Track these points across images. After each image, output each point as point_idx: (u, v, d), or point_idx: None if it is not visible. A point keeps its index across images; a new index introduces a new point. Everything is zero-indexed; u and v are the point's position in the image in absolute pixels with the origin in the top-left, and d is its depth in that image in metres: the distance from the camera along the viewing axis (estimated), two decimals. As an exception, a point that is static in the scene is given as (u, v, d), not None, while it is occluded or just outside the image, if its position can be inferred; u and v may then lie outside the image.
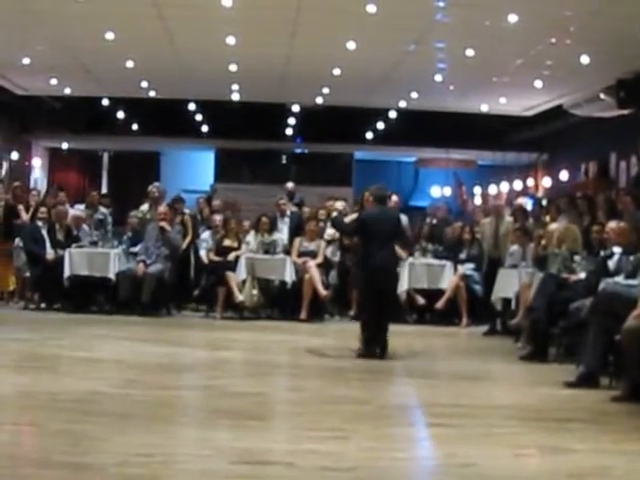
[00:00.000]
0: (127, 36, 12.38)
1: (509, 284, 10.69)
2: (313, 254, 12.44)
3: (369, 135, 19.74)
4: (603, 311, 7.10)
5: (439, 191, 21.78)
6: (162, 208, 12.60)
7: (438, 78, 14.45)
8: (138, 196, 13.94)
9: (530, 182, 19.45)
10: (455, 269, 12.32)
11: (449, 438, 5.37)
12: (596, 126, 15.54)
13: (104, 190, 20.70)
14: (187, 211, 13.57)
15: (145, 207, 13.07)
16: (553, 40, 11.62)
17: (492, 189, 19.17)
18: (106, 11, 11.00)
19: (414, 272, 12.24)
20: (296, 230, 13.12)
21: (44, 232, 12.60)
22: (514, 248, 11.15)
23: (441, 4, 10.51)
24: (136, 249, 12.43)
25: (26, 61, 13.83)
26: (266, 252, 12.38)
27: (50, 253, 12.38)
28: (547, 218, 12.51)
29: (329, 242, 12.74)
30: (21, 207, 13.51)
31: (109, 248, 12.51)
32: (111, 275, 12.16)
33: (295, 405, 6.57)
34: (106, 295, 12.44)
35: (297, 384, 7.66)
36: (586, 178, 16.89)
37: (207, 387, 7.21)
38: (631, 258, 7.84)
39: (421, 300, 12.26)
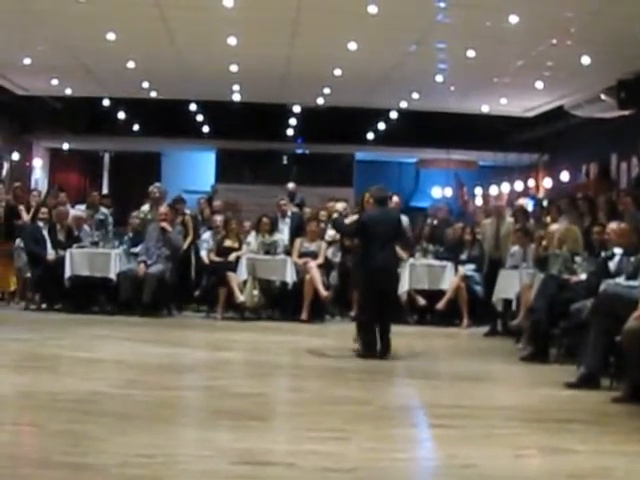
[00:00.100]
0: (128, 36, 12.39)
1: (510, 285, 10.69)
2: (314, 255, 12.45)
3: (370, 136, 19.70)
4: (604, 312, 7.09)
5: (440, 192, 21.78)
6: (163, 208, 12.61)
7: (439, 79, 14.44)
8: (139, 196, 13.94)
9: (531, 183, 19.45)
10: (456, 270, 12.31)
11: (450, 439, 5.37)
12: (597, 127, 15.54)
13: (105, 190, 20.68)
14: (188, 211, 13.58)
15: (146, 207, 13.07)
16: (554, 41, 11.62)
17: (493, 190, 19.18)
18: (107, 11, 11.00)
19: (415, 273, 12.24)
20: (297, 231, 13.13)
21: (45, 232, 12.61)
22: (515, 249, 11.15)
23: (442, 5, 10.50)
24: (137, 249, 12.44)
25: (27, 61, 13.82)
26: (267, 253, 12.37)
27: (51, 253, 12.39)
28: (548, 219, 12.49)
29: (330, 243, 12.74)
30: (22, 207, 13.51)
31: (110, 248, 12.52)
32: (112, 275, 12.16)
33: (296, 406, 6.57)
34: (107, 295, 12.45)
35: (298, 385, 7.66)
36: (587, 179, 16.88)
37: (208, 388, 7.21)
38: (632, 259, 7.83)
39: (422, 301, 12.26)
